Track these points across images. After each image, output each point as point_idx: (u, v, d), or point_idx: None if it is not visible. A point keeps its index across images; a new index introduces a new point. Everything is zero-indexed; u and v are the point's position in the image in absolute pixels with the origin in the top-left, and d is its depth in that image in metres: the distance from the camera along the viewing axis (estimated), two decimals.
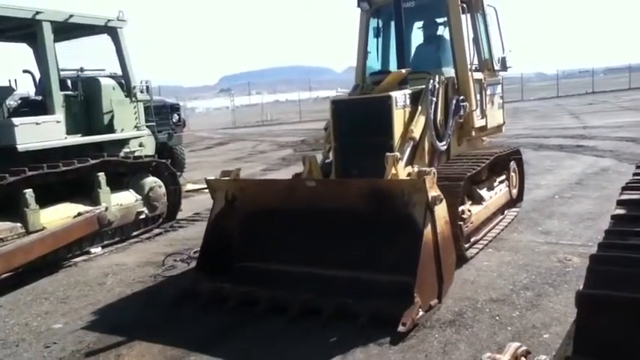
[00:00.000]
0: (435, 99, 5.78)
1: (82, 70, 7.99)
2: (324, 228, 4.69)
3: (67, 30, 7.35)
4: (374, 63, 7.26)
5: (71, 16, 6.99)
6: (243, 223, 5.12)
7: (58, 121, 6.78)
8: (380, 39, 7.24)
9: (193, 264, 5.88)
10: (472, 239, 5.61)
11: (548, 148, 12.97)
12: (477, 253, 5.47)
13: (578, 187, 8.30)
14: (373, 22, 7.20)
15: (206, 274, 4.92)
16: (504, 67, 7.33)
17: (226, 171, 5.23)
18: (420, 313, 3.95)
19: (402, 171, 4.86)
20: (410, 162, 5.32)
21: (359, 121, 5.58)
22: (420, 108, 5.64)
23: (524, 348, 2.44)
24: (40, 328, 4.49)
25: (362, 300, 4.09)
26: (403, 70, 5.85)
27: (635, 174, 3.16)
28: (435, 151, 5.78)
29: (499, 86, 7.51)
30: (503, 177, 6.76)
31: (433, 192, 4.21)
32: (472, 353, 3.48)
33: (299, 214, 4.82)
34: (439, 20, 7.12)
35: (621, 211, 2.55)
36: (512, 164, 7.09)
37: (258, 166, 14.35)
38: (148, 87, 8.83)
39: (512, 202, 7.03)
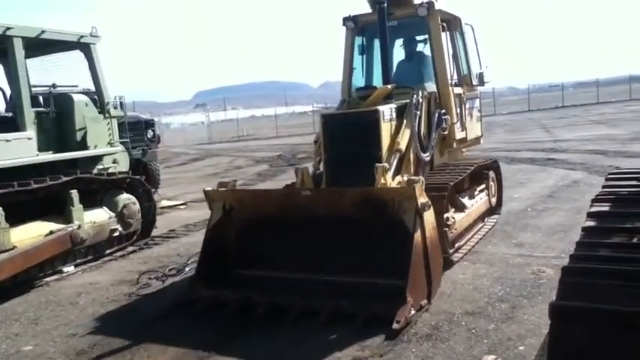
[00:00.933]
0: (418, 113, 6.07)
1: (54, 86, 7.88)
2: (319, 235, 4.92)
3: (39, 46, 7.26)
4: (358, 79, 7.49)
5: (43, 32, 6.91)
6: (240, 232, 5.29)
7: (29, 138, 6.66)
8: (364, 56, 7.47)
9: (168, 282, 5.82)
10: (456, 245, 5.87)
11: (521, 161, 13.18)
12: (462, 257, 5.74)
13: (550, 200, 8.45)
14: (358, 40, 7.42)
15: (204, 281, 5.06)
16: (482, 82, 7.69)
17: (223, 182, 5.43)
18: (412, 312, 4.18)
19: (390, 180, 5.12)
20: (397, 172, 5.58)
21: (348, 134, 5.82)
22: (405, 121, 5.94)
23: None
24: (10, 351, 4.37)
25: (357, 302, 4.30)
26: (389, 86, 6.15)
27: (604, 186, 3.24)
28: (420, 162, 6.07)
29: (477, 100, 7.91)
30: (483, 186, 7.05)
31: (422, 199, 4.50)
32: None
33: (294, 222, 5.04)
34: (419, 38, 7.42)
35: (592, 223, 2.60)
36: (491, 174, 7.39)
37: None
38: (121, 103, 8.74)
39: (492, 210, 7.33)
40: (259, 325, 4.38)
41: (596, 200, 2.94)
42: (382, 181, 4.95)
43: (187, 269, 6.18)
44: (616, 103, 37.30)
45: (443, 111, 6.54)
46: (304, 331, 4.19)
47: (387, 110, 5.83)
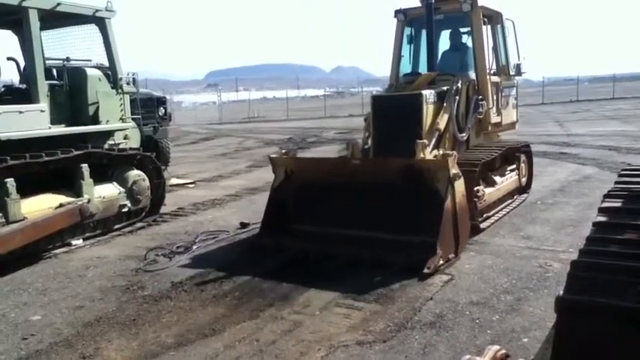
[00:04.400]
0: (457, 98, 6.81)
1: (68, 59, 7.88)
2: (365, 198, 5.70)
3: (54, 18, 7.25)
4: (405, 66, 8.24)
5: (58, 4, 6.89)
6: (298, 193, 6.20)
7: (42, 111, 6.68)
8: (412, 45, 8.26)
9: (176, 259, 5.86)
10: (485, 214, 6.64)
11: (533, 154, 13.06)
12: (490, 225, 6.51)
13: (560, 194, 8.39)
14: (407, 31, 8.17)
15: (268, 233, 6.06)
16: (519, 73, 8.43)
17: (286, 151, 6.58)
18: (441, 262, 5.03)
19: (428, 156, 5.84)
20: (435, 149, 6.27)
21: (394, 114, 6.58)
22: (445, 105, 6.64)
23: (503, 351, 2.46)
24: (18, 320, 4.43)
25: (395, 254, 5.14)
26: (432, 73, 6.96)
27: (616, 182, 3.21)
28: (457, 141, 6.81)
29: (514, 89, 8.67)
30: (513, 166, 7.82)
31: (454, 170, 5.26)
32: (452, 355, 3.50)
33: (345, 186, 5.82)
34: (463, 30, 8.13)
35: (603, 219, 2.58)
36: (522, 156, 8.15)
37: (244, 162, 14.31)
38: (134, 79, 8.74)
39: (522, 189, 8.12)
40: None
41: (608, 196, 2.91)
42: (421, 155, 5.64)
43: (195, 247, 6.23)
44: (631, 99, 36.83)
45: (480, 97, 7.23)
46: (309, 315, 4.22)
47: (430, 94, 6.53)
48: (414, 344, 3.68)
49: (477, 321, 4.00)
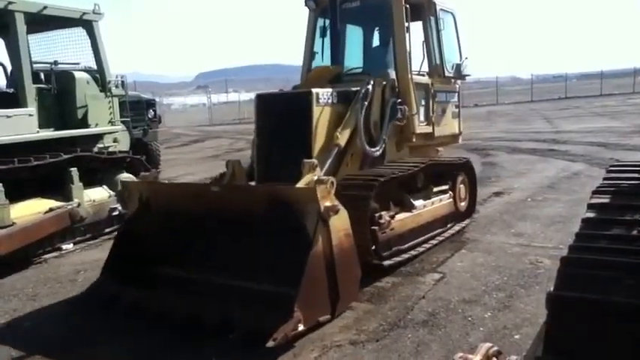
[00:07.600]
0: (366, 102, 5.50)
1: (55, 63, 7.85)
2: (226, 235, 4.42)
3: (41, 22, 7.21)
4: (319, 63, 6.83)
5: (45, 7, 6.86)
6: (155, 226, 4.84)
7: (30, 115, 6.64)
8: (326, 39, 6.68)
9: None
10: (394, 248, 5.20)
11: (522, 151, 13.17)
12: (402, 265, 5.16)
13: (550, 191, 8.45)
14: (320, 22, 6.87)
15: (110, 276, 4.72)
16: (460, 75, 7.07)
17: (144, 174, 5.23)
18: (300, 328, 3.64)
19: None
20: (334, 168, 5.12)
21: (280, 118, 5.34)
22: (349, 111, 5.42)
23: (495, 348, 2.47)
24: (8, 326, 4.39)
25: (248, 312, 3.83)
26: (333, 67, 5.73)
27: (605, 178, 3.23)
28: (367, 157, 5.55)
29: (455, 94, 7.27)
30: (445, 187, 6.21)
31: (327, 202, 3.91)
32: (444, 353, 3.51)
33: (205, 219, 4.55)
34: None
35: (591, 215, 2.60)
36: (461, 176, 6.52)
37: None
38: (123, 82, 8.71)
39: (460, 216, 6.48)
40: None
41: (596, 192, 2.93)
42: (311, 178, 4.24)
43: None
44: (619, 95, 37.16)
45: (399, 100, 5.92)
46: None
47: (325, 93, 5.27)
48: (406, 343, 3.69)
49: (470, 319, 4.01)
